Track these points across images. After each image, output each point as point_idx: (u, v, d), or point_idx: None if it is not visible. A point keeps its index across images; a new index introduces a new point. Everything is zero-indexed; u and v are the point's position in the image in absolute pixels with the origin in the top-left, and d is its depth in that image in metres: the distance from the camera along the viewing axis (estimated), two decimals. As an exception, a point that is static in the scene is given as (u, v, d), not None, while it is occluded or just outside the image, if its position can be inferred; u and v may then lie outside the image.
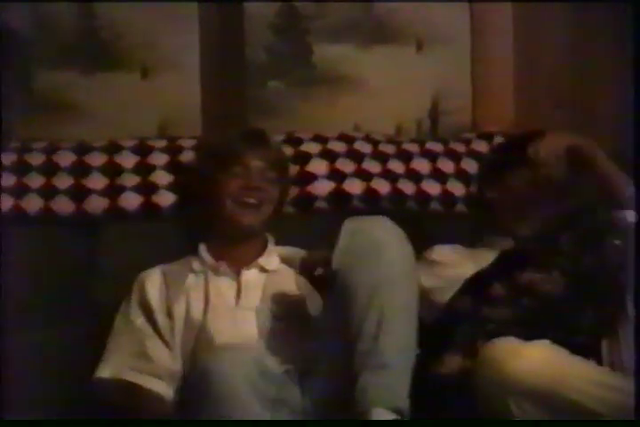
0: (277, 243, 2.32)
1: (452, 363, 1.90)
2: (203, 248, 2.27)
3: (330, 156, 2.54)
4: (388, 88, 2.75)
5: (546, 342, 1.85)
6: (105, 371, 2.13)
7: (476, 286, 1.99)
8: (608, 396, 1.78)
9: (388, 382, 1.80)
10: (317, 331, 2.04)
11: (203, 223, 2.32)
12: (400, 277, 1.88)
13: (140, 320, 2.18)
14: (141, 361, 2.13)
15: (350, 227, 1.93)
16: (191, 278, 2.23)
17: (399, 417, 1.77)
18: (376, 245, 1.88)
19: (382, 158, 2.57)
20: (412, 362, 1.84)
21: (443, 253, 2.32)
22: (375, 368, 1.80)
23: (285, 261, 2.29)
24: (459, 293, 2.01)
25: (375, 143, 2.60)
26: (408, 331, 1.85)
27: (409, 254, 1.93)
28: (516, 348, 1.82)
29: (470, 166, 2.61)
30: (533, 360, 1.79)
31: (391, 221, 1.94)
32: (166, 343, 2.15)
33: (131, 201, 2.42)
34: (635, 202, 1.99)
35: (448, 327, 1.97)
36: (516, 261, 1.99)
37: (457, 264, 2.28)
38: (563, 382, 1.78)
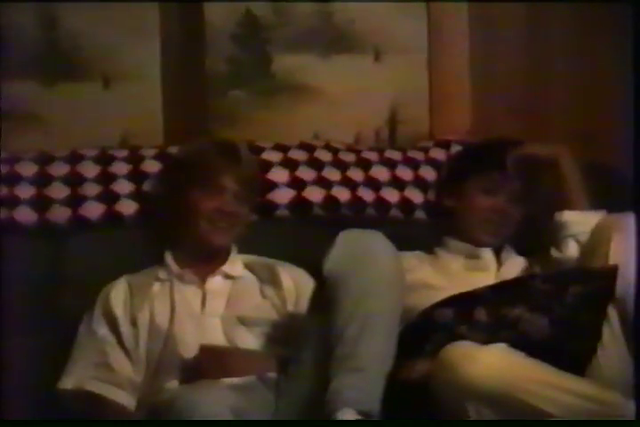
0: (240, 250, 2.31)
1: (422, 369, 1.90)
2: (168, 257, 2.26)
3: (290, 164, 2.54)
4: (347, 97, 2.76)
5: (502, 345, 1.85)
6: (68, 382, 2.12)
7: (461, 303, 1.99)
8: (566, 399, 1.78)
9: (362, 385, 1.80)
10: (291, 335, 2.07)
11: (168, 232, 2.30)
12: (387, 288, 1.90)
13: (102, 330, 2.17)
14: (104, 371, 2.12)
15: (345, 237, 1.96)
16: (156, 287, 2.21)
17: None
18: (368, 256, 1.91)
19: (342, 166, 2.57)
20: (388, 369, 1.85)
21: (404, 258, 2.32)
22: (351, 371, 1.81)
23: (248, 267, 2.29)
24: (441, 303, 2.01)
25: (335, 152, 2.60)
26: (388, 340, 1.87)
27: (398, 268, 1.96)
28: (471, 352, 1.82)
29: (428, 174, 2.61)
30: (488, 364, 1.79)
31: (383, 236, 1.96)
32: (128, 353, 2.14)
33: (93, 210, 2.40)
34: (635, 202, 1.99)
35: (420, 334, 1.97)
36: (513, 293, 1.98)
37: (416, 269, 2.29)
38: (518, 385, 1.78)
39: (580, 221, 2.22)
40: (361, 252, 1.92)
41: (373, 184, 2.57)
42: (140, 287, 2.21)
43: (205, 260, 2.25)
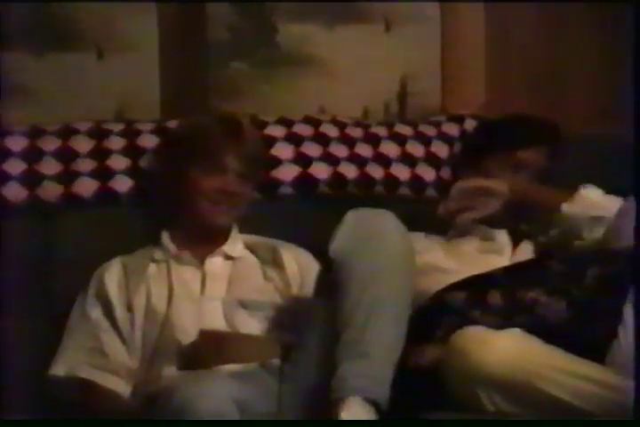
0: (241, 230, 2.30)
1: (433, 355, 1.90)
2: (165, 236, 2.25)
3: (295, 139, 2.53)
4: (356, 69, 2.74)
5: (517, 330, 1.85)
6: (59, 368, 2.12)
7: (474, 286, 1.98)
8: (583, 387, 1.77)
9: (370, 372, 1.80)
10: (295, 320, 2.07)
11: (165, 211, 2.30)
12: (397, 269, 1.90)
13: (96, 314, 2.16)
14: (97, 357, 2.12)
15: (352, 217, 1.96)
16: (153, 268, 2.21)
17: (373, 408, 1.77)
18: (377, 237, 1.91)
19: (349, 142, 2.57)
20: (398, 355, 1.84)
21: (415, 239, 2.31)
22: (358, 358, 1.80)
23: (250, 247, 2.28)
24: (453, 286, 2.01)
25: (342, 126, 2.59)
26: (397, 325, 1.86)
27: (409, 249, 1.95)
28: (484, 337, 1.82)
29: (440, 150, 2.61)
30: (503, 350, 1.79)
31: (393, 215, 1.96)
32: (123, 338, 2.14)
33: (86, 187, 2.39)
34: (635, 201, 1.97)
35: (431, 318, 1.97)
36: (528, 275, 1.97)
37: (427, 251, 2.28)
38: (534, 372, 1.77)
39: (592, 206, 2.19)
40: (369, 232, 1.92)
41: (382, 161, 2.57)
42: (136, 269, 2.21)
43: (204, 240, 2.24)
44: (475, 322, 1.90)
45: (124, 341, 2.14)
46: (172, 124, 2.47)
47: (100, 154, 2.43)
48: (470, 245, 2.33)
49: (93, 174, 2.41)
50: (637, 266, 1.82)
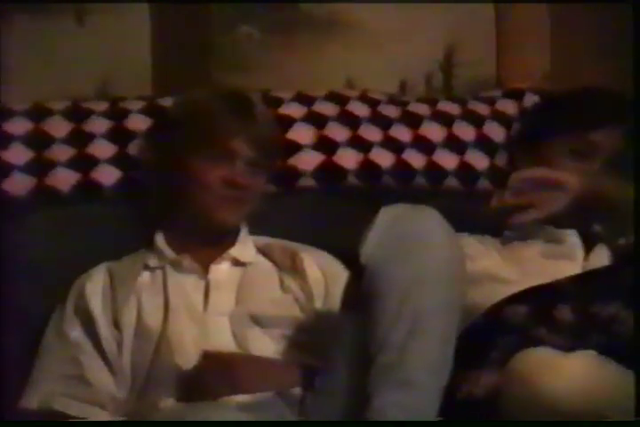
0: (253, 230, 2.31)
1: (488, 382, 1.91)
2: (160, 239, 2.26)
3: (317, 120, 2.56)
4: (390, 34, 2.78)
5: (591, 352, 1.85)
6: (32, 400, 2.12)
7: (539, 299, 1.99)
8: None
9: (412, 403, 1.80)
10: (319, 339, 2.07)
11: (160, 208, 2.31)
12: (443, 278, 1.89)
13: (75, 333, 2.17)
14: (77, 386, 2.12)
15: (387, 216, 1.95)
16: (145, 277, 2.22)
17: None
18: (418, 238, 1.90)
19: (383, 123, 2.59)
20: (445, 382, 1.84)
21: (464, 242, 2.30)
22: (398, 385, 1.80)
23: (263, 251, 2.29)
24: (513, 299, 2.01)
25: (374, 104, 2.62)
26: (444, 345, 1.86)
27: (457, 254, 1.95)
28: (552, 360, 1.83)
29: (495, 132, 2.64)
30: (574, 375, 1.80)
31: (437, 212, 1.95)
32: (109, 363, 2.15)
33: (64, 179, 2.41)
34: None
35: (486, 338, 1.98)
36: (605, 286, 1.97)
37: (480, 256, 2.30)
38: (610, 403, 1.78)
39: None
40: (408, 233, 1.91)
41: (424, 146, 2.59)
42: (125, 278, 2.21)
43: (208, 242, 2.26)
44: (539, 342, 1.90)
45: (109, 366, 2.15)
46: (167, 101, 2.48)
47: (80, 139, 2.45)
48: (533, 249, 2.34)
49: (72, 164, 2.42)
50: (638, 266, 1.85)
